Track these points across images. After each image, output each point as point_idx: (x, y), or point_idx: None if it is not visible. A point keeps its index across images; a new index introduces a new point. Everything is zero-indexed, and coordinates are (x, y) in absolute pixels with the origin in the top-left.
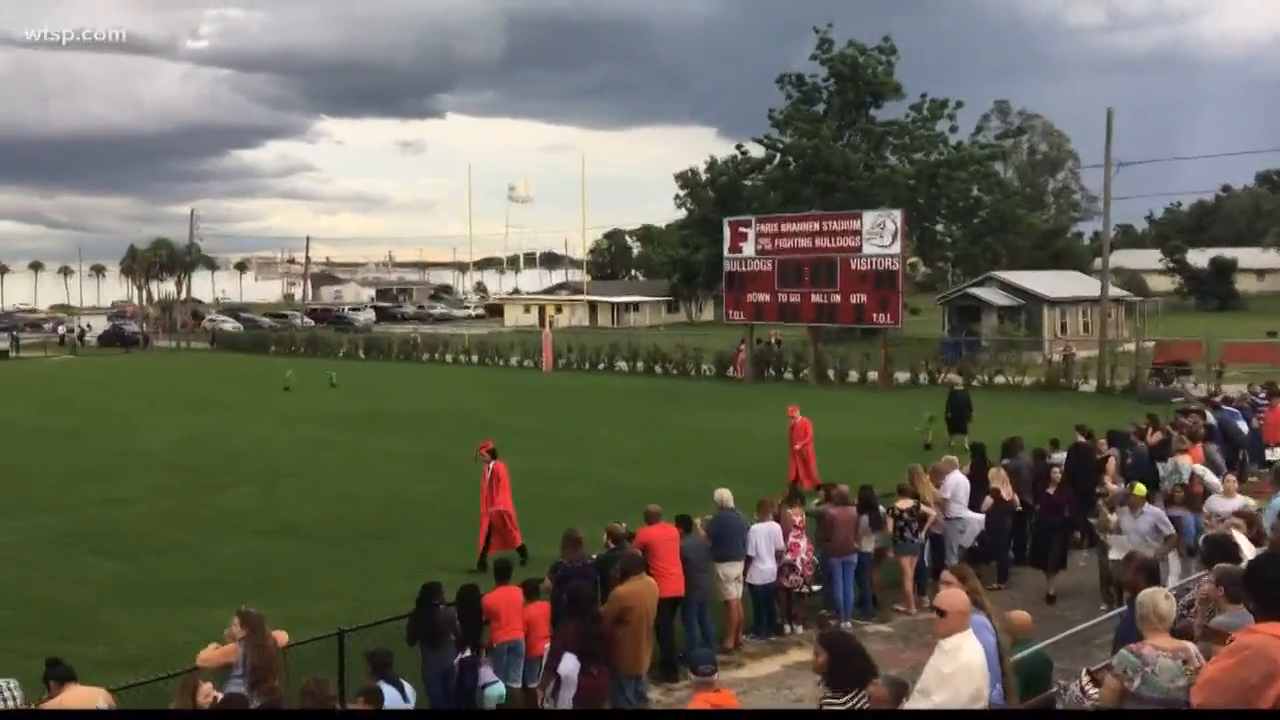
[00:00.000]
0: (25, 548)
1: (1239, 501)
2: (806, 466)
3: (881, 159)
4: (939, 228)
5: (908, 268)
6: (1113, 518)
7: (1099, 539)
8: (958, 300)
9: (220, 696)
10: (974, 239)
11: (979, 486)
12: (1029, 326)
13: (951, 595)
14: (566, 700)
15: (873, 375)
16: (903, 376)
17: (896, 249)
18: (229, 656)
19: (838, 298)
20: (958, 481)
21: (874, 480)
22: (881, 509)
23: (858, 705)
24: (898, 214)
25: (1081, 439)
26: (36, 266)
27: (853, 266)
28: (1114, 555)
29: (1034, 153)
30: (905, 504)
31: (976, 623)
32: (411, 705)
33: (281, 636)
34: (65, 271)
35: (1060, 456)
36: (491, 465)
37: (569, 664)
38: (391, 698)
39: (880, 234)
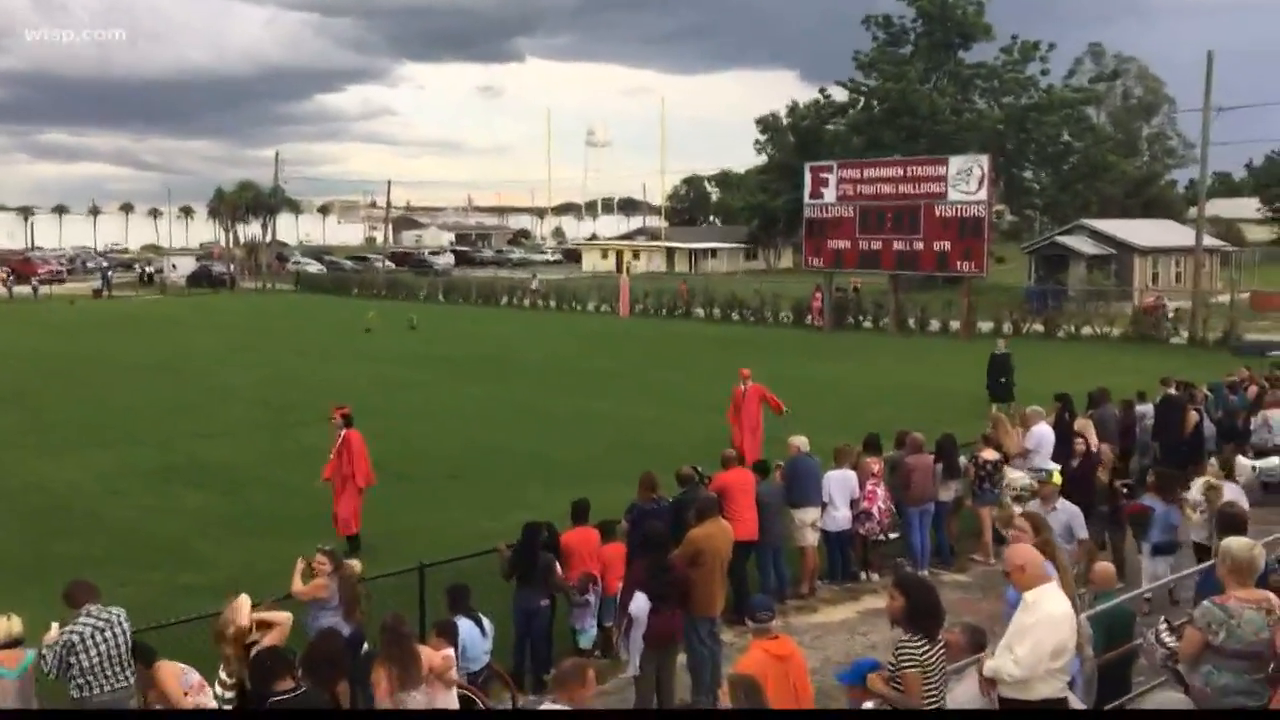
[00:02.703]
0: (122, 478)
1: None
2: (746, 437)
3: (969, 103)
4: (1027, 174)
5: (994, 215)
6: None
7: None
8: (1045, 249)
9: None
10: (1063, 186)
11: (1064, 438)
12: (1119, 277)
13: (1020, 550)
14: (638, 639)
15: (955, 325)
16: (985, 326)
17: (983, 195)
18: (321, 591)
19: (921, 245)
20: (1042, 433)
21: (954, 430)
22: (962, 459)
23: (934, 650)
24: (985, 159)
25: (1172, 391)
26: (127, 208)
27: (937, 213)
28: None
29: (1128, 97)
30: (989, 454)
31: None
32: (490, 639)
33: (355, 566)
34: (155, 213)
35: (1146, 408)
36: (343, 433)
37: (639, 603)
38: (469, 631)
39: (966, 180)
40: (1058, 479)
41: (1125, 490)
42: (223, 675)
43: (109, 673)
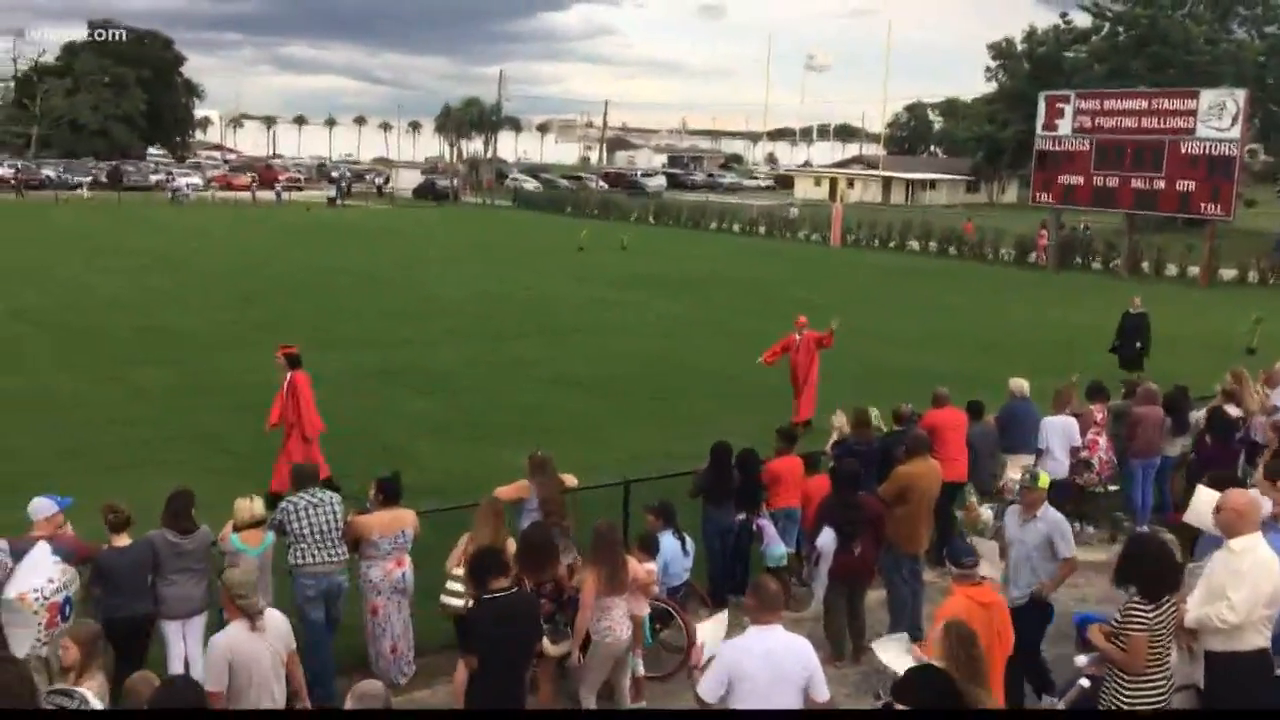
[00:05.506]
0: (347, 380)
1: None
2: (801, 389)
3: (1227, 31)
4: None
5: (1246, 154)
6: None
7: None
8: None
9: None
10: None
11: None
12: None
13: (1234, 494)
14: (823, 573)
15: (1194, 270)
16: (1228, 274)
17: (1236, 133)
18: (523, 492)
19: (1162, 184)
20: None
21: (1187, 382)
22: (1195, 414)
23: (1164, 613)
24: (1241, 94)
25: None
26: (360, 121)
27: (1182, 150)
28: None
29: None
30: (1230, 410)
31: None
32: (691, 558)
33: (570, 480)
34: (385, 126)
35: None
36: (289, 375)
37: (826, 537)
38: (673, 548)
39: (1218, 115)
40: (1045, 481)
41: None
42: (453, 585)
43: (321, 544)
